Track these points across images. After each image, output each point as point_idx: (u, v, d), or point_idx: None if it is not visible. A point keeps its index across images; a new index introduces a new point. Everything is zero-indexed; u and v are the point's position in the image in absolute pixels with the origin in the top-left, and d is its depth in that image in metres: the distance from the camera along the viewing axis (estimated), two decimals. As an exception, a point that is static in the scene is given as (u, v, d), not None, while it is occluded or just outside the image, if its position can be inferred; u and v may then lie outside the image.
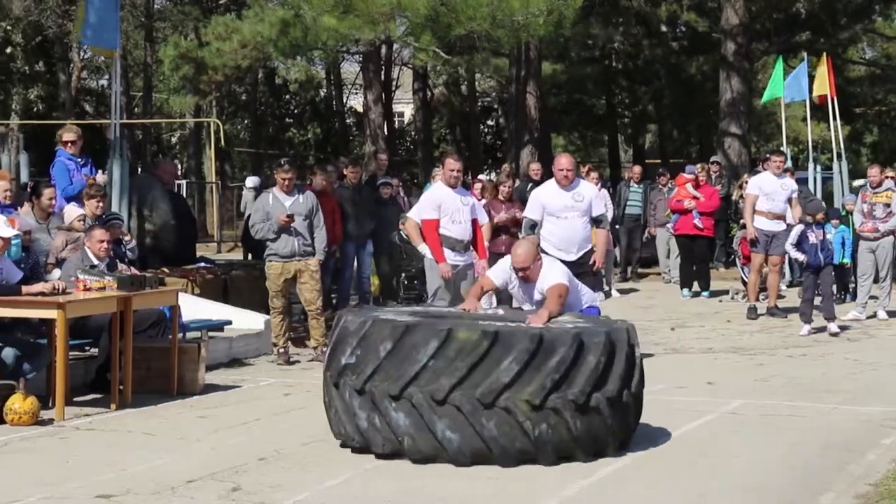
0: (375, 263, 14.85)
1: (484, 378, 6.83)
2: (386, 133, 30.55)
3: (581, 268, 10.71)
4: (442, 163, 11.83)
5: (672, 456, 7.44)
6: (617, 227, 19.51)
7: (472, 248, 11.30)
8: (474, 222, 11.32)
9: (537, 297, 9.76)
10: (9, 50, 27.56)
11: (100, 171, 12.75)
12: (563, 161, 11.18)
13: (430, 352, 6.88)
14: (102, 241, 10.23)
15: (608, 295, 17.91)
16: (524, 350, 6.88)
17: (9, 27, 27.07)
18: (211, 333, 11.48)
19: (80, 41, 14.10)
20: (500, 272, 8.95)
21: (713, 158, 22.08)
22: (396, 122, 44.82)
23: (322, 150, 37.89)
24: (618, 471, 7.01)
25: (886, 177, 15.33)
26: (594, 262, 11.02)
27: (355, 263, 14.64)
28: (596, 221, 11.22)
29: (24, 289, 9.05)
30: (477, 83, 40.73)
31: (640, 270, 20.75)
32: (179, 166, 34.29)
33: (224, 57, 19.76)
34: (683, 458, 7.37)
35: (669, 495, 6.48)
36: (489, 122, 44.23)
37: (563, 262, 10.60)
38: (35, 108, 32.10)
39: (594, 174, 18.96)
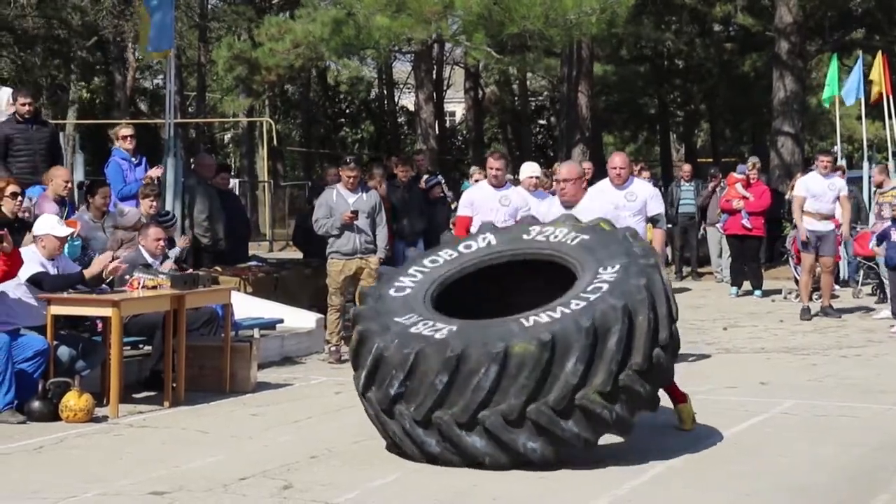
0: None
1: (553, 384, 6.64)
2: (437, 132, 30.59)
3: None
4: (485, 161, 11.79)
5: (723, 456, 7.38)
6: (669, 226, 19.43)
7: None
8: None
9: (627, 202, 10.31)
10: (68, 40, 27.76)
11: (156, 167, 12.87)
12: (617, 159, 11.08)
13: (491, 377, 6.61)
14: (158, 240, 10.34)
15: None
16: (584, 346, 6.66)
17: (65, 18, 27.33)
18: (263, 332, 11.56)
19: (147, 49, 14.25)
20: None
21: (751, 159, 21.88)
22: (448, 122, 44.81)
23: (374, 150, 37.96)
24: (668, 470, 6.97)
25: None
26: None
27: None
28: (652, 221, 11.05)
29: (86, 271, 9.25)
30: (528, 82, 40.67)
31: (698, 270, 20.60)
32: (232, 166, 34.53)
33: (277, 57, 19.87)
34: (734, 457, 7.31)
35: (718, 495, 6.44)
36: (541, 122, 44.12)
37: None
38: (96, 100, 32.41)
39: (646, 173, 18.94)
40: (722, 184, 19.27)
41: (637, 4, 21.21)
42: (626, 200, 10.80)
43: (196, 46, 34.87)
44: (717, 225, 18.94)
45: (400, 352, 6.86)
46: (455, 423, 6.73)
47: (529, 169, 11.96)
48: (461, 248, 7.90)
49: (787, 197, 19.11)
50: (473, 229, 10.73)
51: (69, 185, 11.36)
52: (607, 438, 7.37)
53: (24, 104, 12.27)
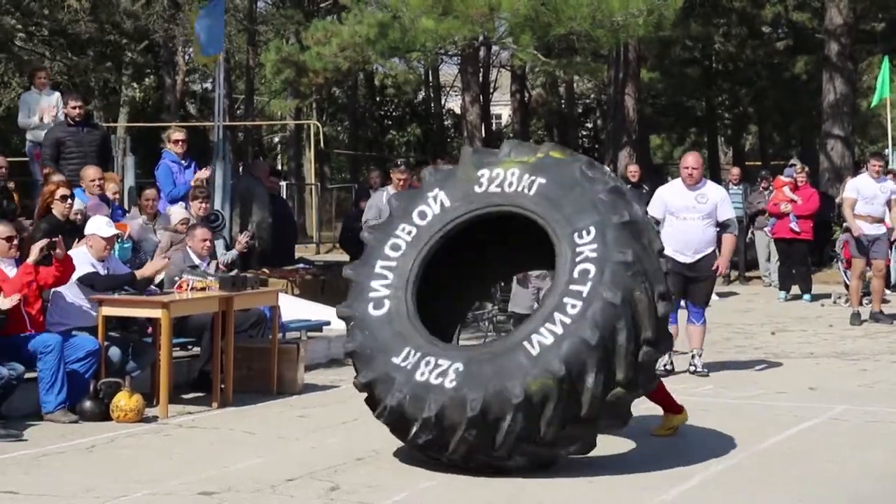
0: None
1: (581, 399, 6.55)
2: (483, 135, 30.54)
3: (695, 271, 10.49)
4: None
5: (772, 461, 7.34)
6: (717, 229, 19.32)
7: None
8: None
9: (697, 203, 10.45)
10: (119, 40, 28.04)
11: (204, 168, 12.96)
12: (689, 159, 10.78)
13: (519, 421, 6.49)
14: (205, 241, 10.41)
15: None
16: (598, 359, 6.51)
17: (116, 21, 27.60)
18: (310, 334, 11.61)
19: (200, 53, 14.39)
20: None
21: (792, 161, 21.70)
22: (494, 124, 44.77)
23: (420, 152, 38.01)
24: (717, 475, 6.94)
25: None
26: (717, 266, 10.64)
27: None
28: (723, 226, 10.74)
29: (138, 273, 9.40)
30: (575, 85, 40.57)
31: (746, 274, 20.47)
32: (280, 168, 34.68)
33: (324, 60, 19.94)
34: (783, 463, 7.27)
35: (767, 500, 6.40)
36: (587, 125, 44.01)
37: (677, 263, 10.49)
38: (147, 102, 32.67)
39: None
40: (770, 187, 19.14)
41: (685, 6, 21.11)
42: (697, 202, 10.57)
43: (245, 50, 35.07)
44: (765, 229, 18.81)
45: (418, 410, 6.64)
46: (491, 465, 6.71)
47: None
48: (416, 219, 7.25)
49: (837, 200, 18.96)
50: None
51: (97, 183, 11.37)
52: (650, 445, 7.35)
53: (74, 107, 12.40)
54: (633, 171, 18.50)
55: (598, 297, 6.53)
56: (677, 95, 35.64)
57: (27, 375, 8.61)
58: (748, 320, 15.24)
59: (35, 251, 8.75)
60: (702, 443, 7.85)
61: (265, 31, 35.01)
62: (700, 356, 10.82)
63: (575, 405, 6.54)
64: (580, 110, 43.40)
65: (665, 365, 10.60)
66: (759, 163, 34.61)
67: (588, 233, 6.75)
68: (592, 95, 42.82)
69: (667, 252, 10.46)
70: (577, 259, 6.71)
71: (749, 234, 20.11)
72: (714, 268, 10.62)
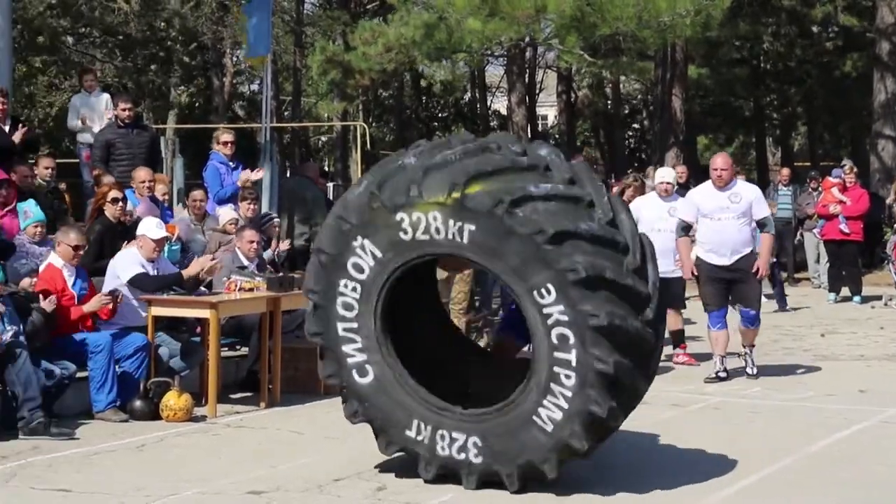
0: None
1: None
2: (529, 135, 30.51)
3: (735, 273, 10.38)
4: None
5: (821, 464, 7.30)
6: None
7: None
8: None
9: (731, 203, 10.23)
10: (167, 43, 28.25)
11: (256, 169, 13.03)
12: (718, 160, 10.61)
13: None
14: (252, 242, 10.49)
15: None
16: (608, 427, 6.45)
17: (164, 23, 27.82)
18: (357, 334, 11.62)
19: (247, 55, 14.50)
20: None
21: (843, 161, 21.47)
22: (540, 125, 44.69)
23: (466, 153, 38.01)
24: (766, 478, 6.91)
25: None
26: (757, 268, 10.41)
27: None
28: (759, 225, 10.57)
29: (185, 272, 9.50)
30: (622, 86, 40.42)
31: (795, 276, 20.31)
32: (327, 170, 34.81)
33: (370, 61, 20.00)
34: (832, 466, 7.22)
35: (813, 502, 6.37)
36: (634, 125, 43.83)
37: (716, 266, 10.43)
38: (194, 107, 32.88)
39: (741, 177, 18.68)
40: (819, 188, 19.00)
41: (733, 6, 20.98)
42: (731, 202, 10.42)
43: (292, 51, 35.22)
44: (814, 230, 18.67)
45: (457, 480, 6.62)
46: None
47: (663, 174, 11.88)
48: (354, 272, 6.59)
49: (888, 202, 18.79)
50: None
51: (147, 185, 11.50)
52: (697, 448, 7.32)
53: (124, 109, 12.52)
54: (681, 171, 18.37)
55: (590, 368, 6.17)
56: (725, 95, 35.38)
57: (78, 375, 8.74)
58: (797, 322, 15.14)
59: (95, 303, 8.88)
60: (750, 445, 7.80)
61: (312, 32, 35.13)
62: (752, 356, 10.75)
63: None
64: (627, 111, 43.22)
65: (718, 372, 10.52)
66: (808, 163, 34.29)
67: (548, 292, 6.16)
68: (639, 96, 42.63)
69: (703, 255, 10.48)
70: (549, 322, 6.20)
71: (798, 236, 19.96)
72: (754, 270, 10.37)
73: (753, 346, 10.82)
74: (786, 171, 21.12)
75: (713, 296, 10.58)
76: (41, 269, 9.13)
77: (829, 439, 8.01)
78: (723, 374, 10.55)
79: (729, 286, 10.49)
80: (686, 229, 10.65)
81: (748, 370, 10.70)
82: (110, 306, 8.93)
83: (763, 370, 10.97)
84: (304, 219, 13.45)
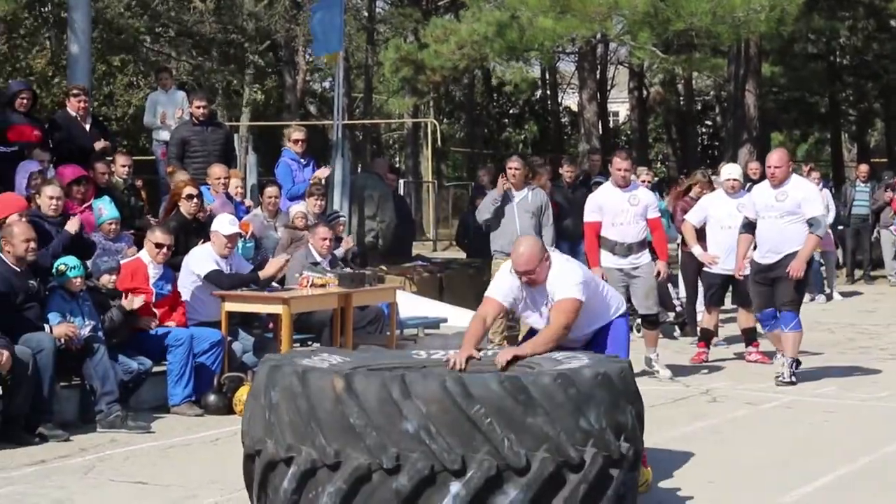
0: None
1: None
2: (600, 132, 30.41)
3: (775, 272, 9.95)
4: (610, 161, 11.04)
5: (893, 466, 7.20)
6: (840, 227, 19.00)
7: (646, 248, 10.58)
8: (651, 222, 10.61)
9: (776, 201, 9.66)
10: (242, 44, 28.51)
11: (323, 166, 13.13)
12: (772, 157, 10.19)
13: None
14: (325, 239, 10.57)
15: (830, 298, 17.46)
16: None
17: (240, 24, 28.10)
18: (427, 330, 11.68)
19: (315, 53, 14.63)
20: (503, 285, 6.67)
21: None
22: (611, 122, 44.50)
23: (538, 150, 37.95)
24: (841, 477, 6.82)
25: None
26: (790, 270, 9.79)
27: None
28: (808, 224, 9.89)
29: (262, 273, 9.61)
30: (694, 82, 40.10)
31: (871, 273, 20.01)
32: (398, 166, 34.94)
33: (442, 58, 20.04)
34: (908, 468, 7.12)
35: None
36: (706, 122, 43.45)
37: (759, 264, 10.07)
38: (268, 107, 33.19)
39: (815, 174, 18.53)
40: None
41: (808, 1, 20.73)
42: (776, 200, 9.99)
43: (364, 49, 35.39)
44: (891, 227, 18.39)
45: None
46: None
47: (729, 170, 11.76)
48: None
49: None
50: (604, 233, 10.47)
51: (223, 181, 11.62)
52: (772, 448, 7.24)
53: (199, 107, 12.66)
54: (754, 168, 18.23)
55: None
56: (800, 91, 34.93)
57: (153, 369, 8.87)
58: (873, 320, 14.92)
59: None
60: (825, 445, 7.72)
61: (384, 30, 35.28)
62: (791, 365, 10.05)
63: None
64: (699, 107, 42.85)
65: (790, 377, 10.12)
66: (885, 160, 33.78)
67: None
68: (712, 92, 42.23)
69: (753, 253, 10.22)
70: None
71: (874, 233, 19.68)
72: (787, 271, 9.81)
73: (798, 360, 10.18)
74: (864, 168, 20.79)
75: (755, 296, 10.25)
76: (127, 262, 9.27)
77: (906, 440, 7.90)
78: (794, 380, 10.04)
79: (772, 286, 10.05)
80: (748, 227, 10.32)
81: (782, 378, 10.02)
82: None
83: (838, 369, 10.83)
84: (371, 216, 13.54)
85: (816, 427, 8.37)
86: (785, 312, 10.01)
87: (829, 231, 17.79)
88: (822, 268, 17.78)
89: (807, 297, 17.29)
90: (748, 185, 14.59)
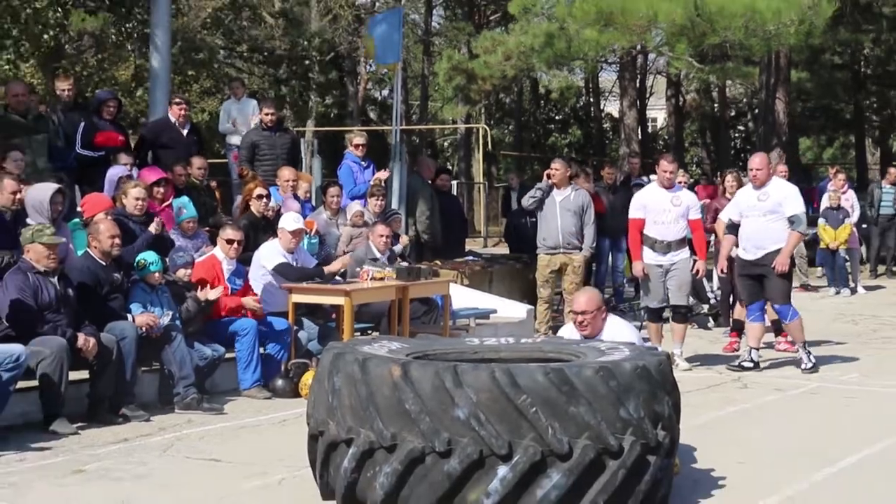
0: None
1: None
2: (639, 137, 30.24)
3: (760, 268, 9.91)
4: (656, 163, 11.01)
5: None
6: (864, 226, 18.79)
7: (684, 247, 10.43)
8: (693, 223, 10.50)
9: (758, 202, 9.54)
10: (307, 62, 28.68)
11: (383, 170, 13.16)
12: (754, 160, 10.16)
13: None
14: (383, 236, 10.59)
15: (854, 291, 17.25)
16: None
17: (306, 42, 28.24)
18: (478, 321, 11.67)
19: (375, 60, 14.68)
20: (564, 333, 7.13)
21: None
22: (650, 127, 44.22)
23: (581, 153, 37.82)
24: (863, 460, 6.72)
25: None
26: (775, 264, 9.79)
27: (609, 258, 14.58)
28: (789, 222, 9.91)
29: (327, 269, 9.71)
30: (727, 90, 39.75)
31: (894, 269, 19.73)
32: (451, 168, 34.93)
33: (492, 68, 20.01)
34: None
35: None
36: (739, 127, 43.07)
37: (744, 261, 10.03)
38: (331, 114, 33.36)
39: (841, 176, 18.34)
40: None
41: (835, 15, 20.47)
42: (758, 200, 9.98)
43: (420, 60, 35.44)
44: (915, 226, 18.18)
45: None
46: None
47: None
48: None
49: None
50: (646, 231, 10.35)
51: (291, 183, 11.68)
52: (793, 431, 7.15)
53: (267, 114, 12.74)
54: (782, 170, 18.04)
55: None
56: (826, 98, 34.55)
57: (226, 356, 8.92)
58: (894, 313, 14.72)
59: (250, 302, 9.17)
60: (850, 428, 7.63)
61: (439, 42, 35.30)
62: (807, 351, 10.10)
63: None
64: (732, 113, 42.47)
65: (742, 362, 10.14)
66: (906, 162, 33.31)
67: None
68: (744, 99, 41.87)
69: (738, 251, 10.14)
70: None
71: (897, 230, 19.40)
72: (772, 266, 9.81)
73: (804, 342, 10.16)
74: (893, 171, 20.48)
75: (742, 290, 10.28)
76: (203, 258, 9.34)
77: (926, 425, 7.78)
78: (747, 364, 10.12)
79: (759, 281, 10.01)
80: (731, 228, 10.27)
81: (803, 365, 10.08)
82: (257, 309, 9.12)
83: (861, 358, 10.70)
84: (415, 213, 13.53)
85: (840, 412, 8.27)
86: (780, 308, 10.06)
87: (854, 229, 17.60)
88: (847, 263, 17.57)
89: (832, 290, 17.23)
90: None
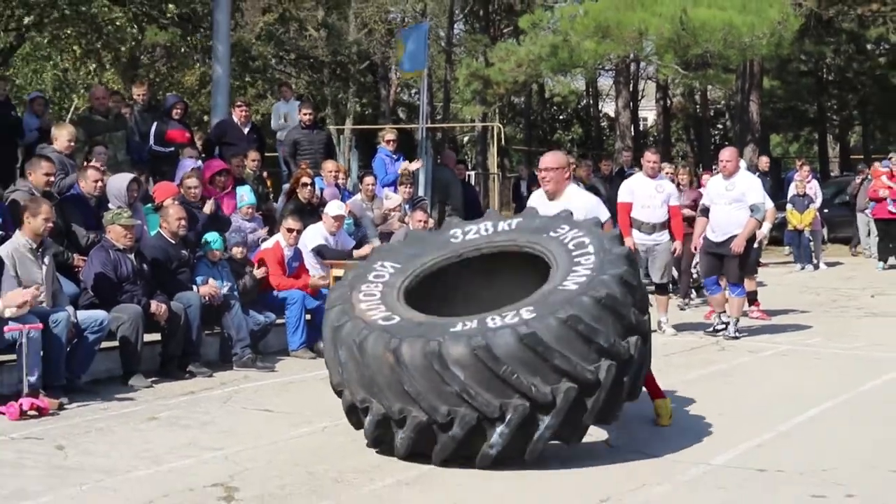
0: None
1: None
2: (632, 134, 30.07)
3: (723, 249, 9.75)
4: (642, 155, 10.84)
5: (872, 401, 7.01)
6: (825, 211, 18.66)
7: (666, 229, 10.27)
8: (672, 209, 10.28)
9: (726, 191, 9.37)
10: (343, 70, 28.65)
11: (413, 161, 13.13)
12: (724, 154, 10.00)
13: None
14: (421, 221, 10.53)
15: (816, 267, 17.14)
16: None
17: (345, 51, 28.20)
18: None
19: (400, 67, 14.63)
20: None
21: (890, 155, 20.40)
22: (641, 125, 43.92)
23: (583, 148, 37.66)
24: (826, 410, 6.67)
25: None
26: (732, 246, 9.60)
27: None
28: (750, 209, 9.65)
29: (356, 253, 9.60)
30: (708, 93, 39.46)
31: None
32: (469, 161, 34.85)
33: (505, 74, 19.92)
34: (883, 403, 6.93)
35: (870, 432, 6.12)
36: (718, 125, 42.79)
37: (710, 241, 9.89)
38: (366, 114, 33.33)
39: (806, 167, 18.25)
40: (869, 176, 18.30)
41: (801, 29, 20.31)
42: (726, 190, 9.81)
43: (443, 67, 35.28)
44: (866, 211, 18.07)
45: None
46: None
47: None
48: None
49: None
50: (634, 214, 10.18)
51: (334, 174, 11.67)
52: (764, 386, 7.11)
53: (306, 114, 12.71)
54: (765, 161, 18.08)
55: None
56: (793, 101, 34.30)
57: (277, 322, 8.92)
58: (852, 286, 14.62)
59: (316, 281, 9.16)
60: (815, 384, 7.58)
61: (459, 51, 35.12)
62: (736, 323, 9.94)
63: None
64: (712, 113, 42.17)
65: (716, 326, 10.05)
66: (861, 157, 33.03)
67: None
68: (723, 101, 41.56)
69: (707, 232, 9.96)
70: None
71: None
72: (730, 246, 9.66)
73: (739, 317, 10.00)
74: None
75: (703, 264, 10.14)
76: (270, 243, 9.33)
77: (878, 381, 7.71)
78: (720, 327, 10.03)
79: (719, 259, 9.87)
80: (704, 211, 10.09)
81: (727, 331, 9.90)
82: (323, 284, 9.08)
83: (823, 324, 10.63)
84: (444, 200, 13.49)
85: (807, 371, 8.21)
86: (732, 285, 9.96)
87: (818, 213, 17.47)
88: (811, 243, 17.46)
89: (798, 266, 17.11)
90: (757, 174, 14.23)
